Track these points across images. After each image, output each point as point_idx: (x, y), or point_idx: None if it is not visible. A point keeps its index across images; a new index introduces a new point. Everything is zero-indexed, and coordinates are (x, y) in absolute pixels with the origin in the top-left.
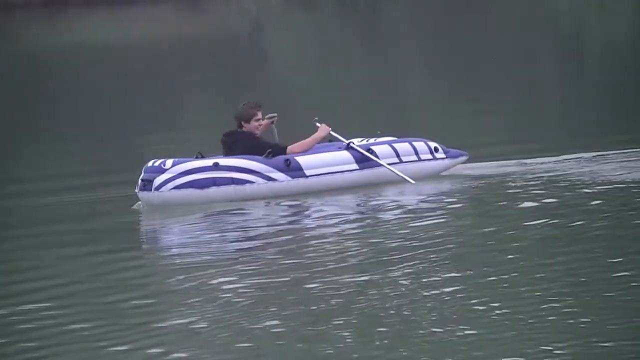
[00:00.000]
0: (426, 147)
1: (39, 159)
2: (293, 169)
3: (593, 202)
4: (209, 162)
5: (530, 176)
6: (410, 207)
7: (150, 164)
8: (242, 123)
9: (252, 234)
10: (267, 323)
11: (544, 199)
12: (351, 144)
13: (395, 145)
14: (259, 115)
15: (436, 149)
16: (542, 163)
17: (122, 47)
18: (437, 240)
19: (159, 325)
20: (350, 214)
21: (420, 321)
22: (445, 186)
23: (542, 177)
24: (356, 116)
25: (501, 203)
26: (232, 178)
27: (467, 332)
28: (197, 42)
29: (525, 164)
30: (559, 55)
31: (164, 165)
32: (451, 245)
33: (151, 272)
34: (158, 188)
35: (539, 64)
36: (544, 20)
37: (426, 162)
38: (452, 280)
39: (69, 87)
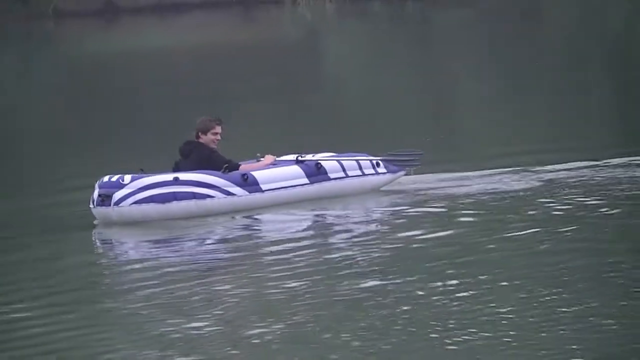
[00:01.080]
0: (369, 163)
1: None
2: (250, 184)
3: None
4: (169, 176)
5: (566, 182)
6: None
7: (106, 179)
8: (200, 134)
9: (221, 247)
10: (252, 332)
11: (601, 203)
12: (299, 158)
13: (342, 160)
14: (218, 129)
15: (378, 164)
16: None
17: (172, 53)
18: (431, 251)
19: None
20: (313, 227)
21: (414, 328)
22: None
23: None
24: (407, 122)
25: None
26: (193, 192)
27: (467, 340)
28: (249, 49)
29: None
30: (612, 64)
31: (122, 180)
32: (451, 254)
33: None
34: (117, 203)
35: (592, 74)
36: (597, 33)
37: (370, 177)
38: (455, 287)
39: (122, 92)
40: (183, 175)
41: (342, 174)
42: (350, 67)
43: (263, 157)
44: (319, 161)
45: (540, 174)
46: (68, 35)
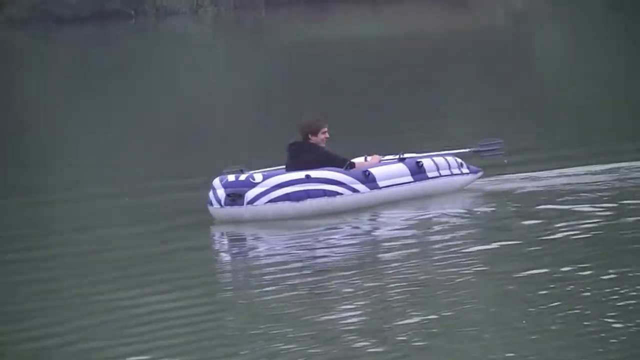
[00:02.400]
0: (455, 162)
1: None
2: (370, 181)
3: None
4: (300, 174)
5: None
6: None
7: (231, 178)
8: (310, 135)
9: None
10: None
11: None
12: (401, 156)
13: (434, 158)
14: (326, 127)
15: (462, 164)
16: None
17: (384, 41)
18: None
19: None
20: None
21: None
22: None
23: None
24: (621, 113)
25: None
26: (324, 190)
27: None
28: (461, 37)
29: None
30: None
31: (253, 179)
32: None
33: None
34: (252, 202)
35: None
36: None
37: (457, 177)
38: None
39: (337, 77)
40: (314, 173)
41: (436, 173)
42: (561, 56)
43: (370, 156)
44: (419, 159)
45: None
46: (280, 25)
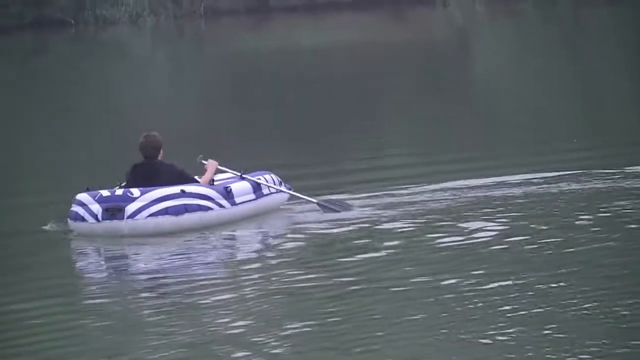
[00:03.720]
0: (277, 180)
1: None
2: (230, 197)
3: None
4: (175, 189)
5: None
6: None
7: (105, 193)
8: (158, 152)
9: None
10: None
11: None
12: (243, 175)
13: (265, 176)
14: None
15: (281, 182)
16: None
17: (322, 51)
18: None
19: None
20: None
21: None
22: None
23: None
24: (553, 122)
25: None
26: (199, 205)
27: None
28: (398, 48)
29: None
30: None
31: (131, 194)
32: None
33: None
34: (132, 216)
35: None
36: None
37: (281, 194)
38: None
39: (274, 89)
40: (188, 188)
41: (268, 190)
42: (498, 68)
43: (205, 160)
44: (253, 176)
45: None
46: (219, 34)
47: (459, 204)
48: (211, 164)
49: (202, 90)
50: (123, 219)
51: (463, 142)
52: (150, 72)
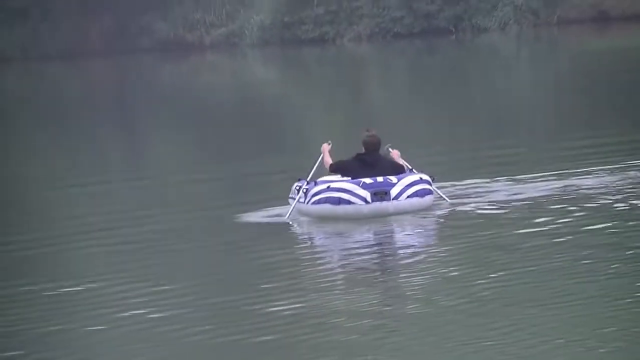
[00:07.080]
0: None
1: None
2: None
3: None
4: (416, 176)
5: None
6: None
7: (367, 180)
8: (379, 147)
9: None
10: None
11: None
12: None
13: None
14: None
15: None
16: None
17: None
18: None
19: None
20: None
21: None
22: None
23: None
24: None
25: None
26: (429, 190)
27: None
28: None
29: None
30: None
31: (391, 180)
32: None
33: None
34: (396, 197)
35: None
36: None
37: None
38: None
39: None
40: (423, 176)
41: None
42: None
43: (392, 149)
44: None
45: None
46: (569, 39)
47: None
48: (394, 154)
49: (555, 80)
50: (389, 200)
51: None
52: (514, 67)
